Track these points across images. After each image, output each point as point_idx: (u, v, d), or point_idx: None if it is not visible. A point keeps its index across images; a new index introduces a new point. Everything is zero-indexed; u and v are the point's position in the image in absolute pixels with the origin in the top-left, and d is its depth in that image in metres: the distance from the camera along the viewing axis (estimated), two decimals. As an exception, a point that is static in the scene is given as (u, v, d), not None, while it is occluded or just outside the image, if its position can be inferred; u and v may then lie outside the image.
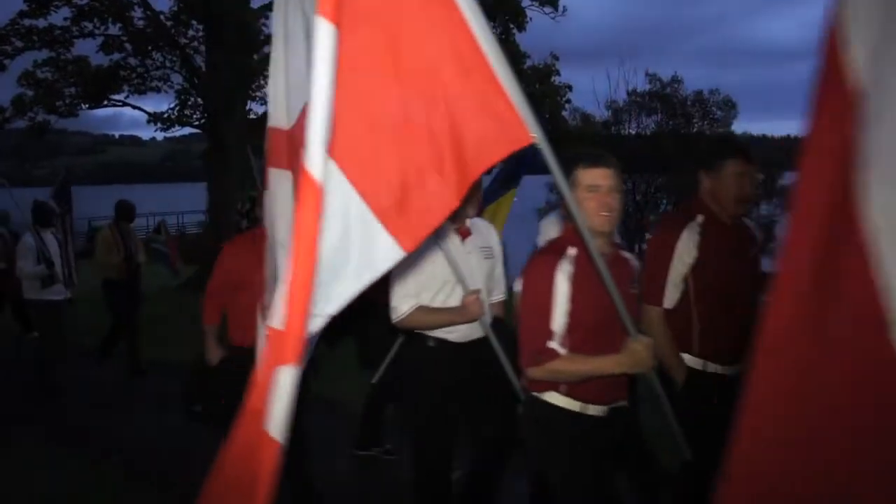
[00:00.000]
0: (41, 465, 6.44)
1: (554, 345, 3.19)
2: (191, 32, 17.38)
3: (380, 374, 6.29)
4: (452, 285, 4.11)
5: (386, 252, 2.33)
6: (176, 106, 18.01)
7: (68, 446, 6.93)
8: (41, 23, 17.18)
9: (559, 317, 3.19)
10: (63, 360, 8.82)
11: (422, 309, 4.09)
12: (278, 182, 3.54)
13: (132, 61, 17.74)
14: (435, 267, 4.07)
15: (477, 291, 4.07)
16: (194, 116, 17.92)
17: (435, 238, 3.93)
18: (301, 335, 2.07)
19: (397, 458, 6.22)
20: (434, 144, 2.40)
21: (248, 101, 17.89)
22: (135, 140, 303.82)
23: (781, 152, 29.67)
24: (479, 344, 4.21)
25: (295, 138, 3.41)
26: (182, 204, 38.71)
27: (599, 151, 3.36)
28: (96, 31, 17.30)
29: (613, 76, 41.73)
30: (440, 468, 4.27)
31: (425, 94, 2.40)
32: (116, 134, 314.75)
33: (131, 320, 9.51)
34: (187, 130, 19.60)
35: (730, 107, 29.37)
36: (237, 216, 12.68)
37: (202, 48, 17.10)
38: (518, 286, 3.41)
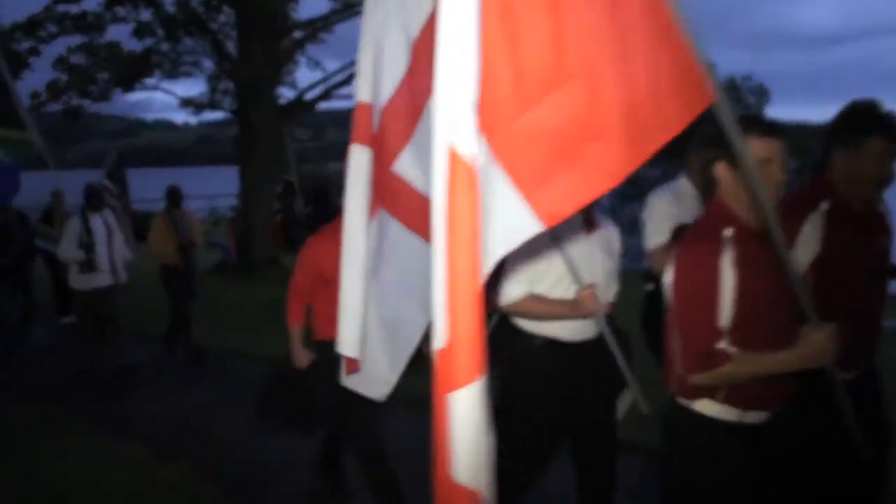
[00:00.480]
0: (69, 449, 6.59)
1: (724, 345, 2.79)
2: (221, 17, 17.46)
3: None
4: (570, 281, 3.71)
5: (521, 225, 1.97)
6: (207, 90, 18.16)
7: (98, 429, 7.10)
8: (74, 9, 17.35)
9: (726, 311, 2.77)
10: (103, 344, 8.72)
11: (534, 297, 3.72)
12: (356, 158, 3.23)
13: (164, 46, 17.87)
14: (554, 257, 3.69)
15: (592, 286, 3.68)
16: (226, 101, 18.04)
17: (560, 226, 3.49)
18: (475, 346, 1.78)
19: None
20: (600, 108, 1.96)
21: (278, 86, 17.94)
22: (167, 124, 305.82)
23: (821, 138, 29.32)
24: (592, 345, 3.84)
25: (385, 115, 3.11)
26: (214, 187, 38.91)
27: (768, 119, 2.92)
28: (128, 17, 17.44)
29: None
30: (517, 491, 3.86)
31: (591, 45, 1.96)
32: (149, 118, 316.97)
33: (186, 306, 9.57)
34: (219, 114, 19.75)
35: (762, 93, 29.15)
36: (273, 199, 12.68)
37: (233, 33, 17.19)
38: (668, 278, 2.98)
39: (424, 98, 2.76)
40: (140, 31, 17.54)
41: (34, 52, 17.19)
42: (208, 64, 18.33)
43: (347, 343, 3.35)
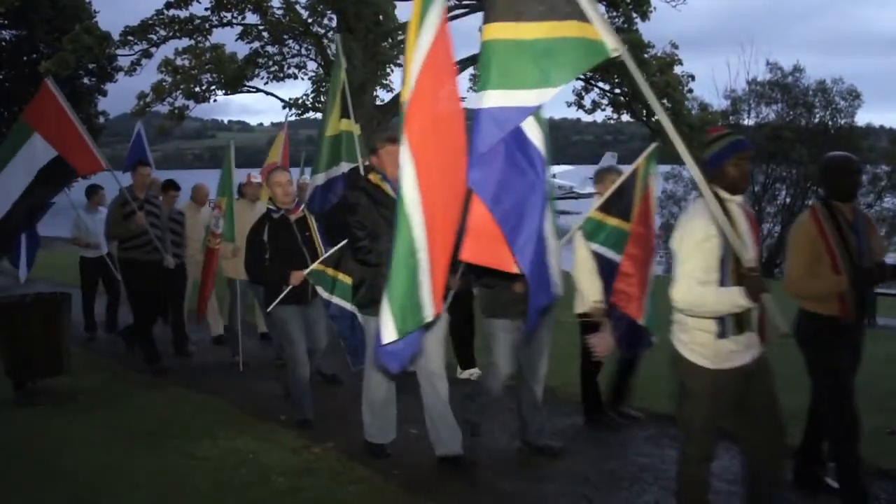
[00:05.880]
0: (225, 432, 6.97)
1: None
2: (325, 21, 17.92)
3: None
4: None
5: None
6: (312, 92, 18.60)
7: (249, 416, 7.46)
8: (183, 13, 17.99)
9: None
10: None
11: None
12: None
13: (270, 49, 18.40)
14: None
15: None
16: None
17: None
18: None
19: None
20: None
21: (377, 88, 18.32)
22: (243, 125, 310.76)
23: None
24: None
25: None
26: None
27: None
28: (234, 21, 18.02)
29: (733, 65, 40.81)
30: None
31: None
32: (225, 119, 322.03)
33: None
34: (294, 117, 20.08)
35: (854, 97, 28.65)
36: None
37: (337, 37, 17.63)
38: None
39: None
40: (245, 34, 18.11)
41: (147, 54, 17.88)
42: (312, 66, 18.80)
43: None
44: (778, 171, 28.59)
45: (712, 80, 29.63)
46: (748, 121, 29.03)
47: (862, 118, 29.82)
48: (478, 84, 3.67)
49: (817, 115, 28.88)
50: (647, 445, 6.49)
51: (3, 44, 35.30)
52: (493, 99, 3.57)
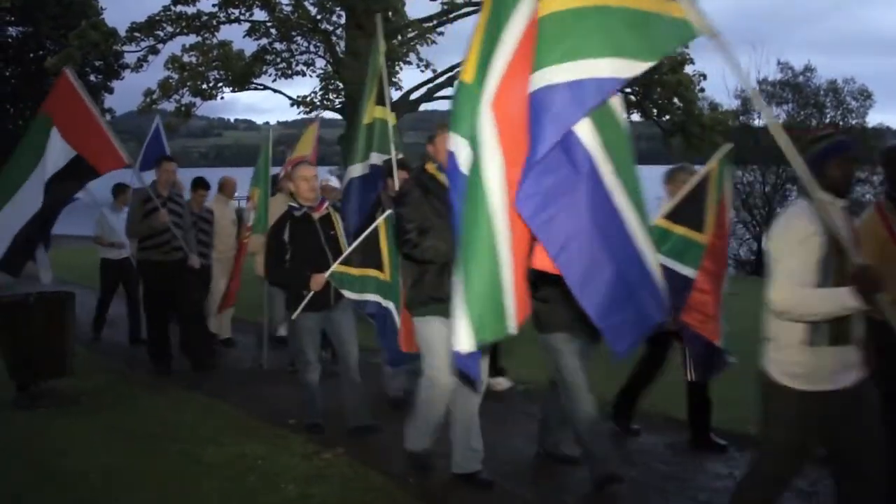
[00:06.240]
0: (233, 436, 6.79)
1: None
2: (334, 18, 17.74)
3: None
4: None
5: None
6: (320, 90, 18.43)
7: (258, 420, 7.31)
8: (190, 9, 17.83)
9: None
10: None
11: None
12: None
13: (278, 46, 18.23)
14: None
15: None
16: (337, 101, 18.31)
17: None
18: None
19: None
20: None
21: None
22: (249, 124, 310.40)
23: (926, 144, 28.66)
24: None
25: None
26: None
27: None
28: (242, 17, 17.85)
29: (743, 64, 40.67)
30: None
31: None
32: (231, 118, 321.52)
33: None
34: (300, 115, 19.88)
35: (865, 97, 28.39)
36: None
37: (345, 34, 17.45)
38: None
39: None
40: (253, 30, 17.94)
41: (153, 51, 17.73)
42: (321, 63, 18.64)
43: None
44: (789, 171, 28.26)
45: (723, 79, 29.34)
46: (759, 121, 28.74)
47: (872, 118, 29.54)
48: (536, 62, 3.07)
49: (828, 115, 28.59)
50: (668, 453, 6.29)
51: (10, 41, 35.25)
52: (565, 73, 3.02)
